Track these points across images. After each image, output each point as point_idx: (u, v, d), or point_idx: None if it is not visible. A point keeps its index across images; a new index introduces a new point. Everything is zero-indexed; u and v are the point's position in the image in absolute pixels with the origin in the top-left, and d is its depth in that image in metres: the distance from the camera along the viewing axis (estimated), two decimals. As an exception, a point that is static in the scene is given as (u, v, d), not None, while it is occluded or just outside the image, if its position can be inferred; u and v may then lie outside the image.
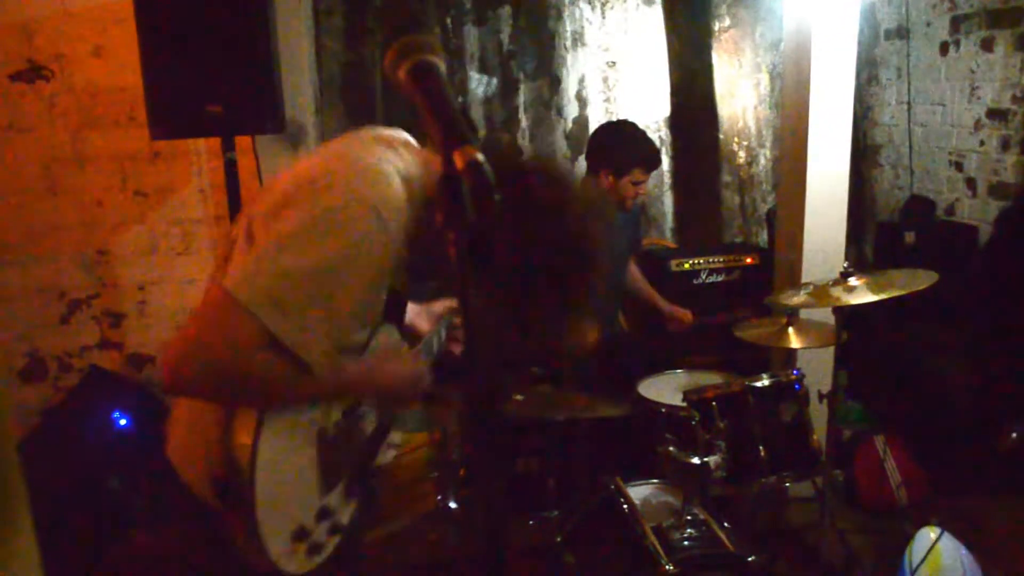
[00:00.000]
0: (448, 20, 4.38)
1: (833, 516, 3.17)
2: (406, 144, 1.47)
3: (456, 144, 0.92)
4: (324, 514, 1.44)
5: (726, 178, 4.79)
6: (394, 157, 1.40)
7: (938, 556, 2.83)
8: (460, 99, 4.36)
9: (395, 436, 1.76)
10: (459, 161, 0.89)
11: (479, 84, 4.40)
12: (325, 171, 1.34)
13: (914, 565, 2.84)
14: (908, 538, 2.93)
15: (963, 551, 2.86)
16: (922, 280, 2.61)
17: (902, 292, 2.59)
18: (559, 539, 2.65)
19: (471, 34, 4.39)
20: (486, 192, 0.87)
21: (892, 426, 3.79)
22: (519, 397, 2.20)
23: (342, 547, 1.60)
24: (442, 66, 1.11)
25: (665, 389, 2.89)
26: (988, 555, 2.92)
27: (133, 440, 3.44)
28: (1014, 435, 2.07)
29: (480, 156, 0.89)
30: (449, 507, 2.86)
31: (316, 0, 4.12)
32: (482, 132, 4.41)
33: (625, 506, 2.47)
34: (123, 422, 3.46)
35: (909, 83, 4.74)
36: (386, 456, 1.72)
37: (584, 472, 2.80)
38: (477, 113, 4.40)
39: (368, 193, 1.31)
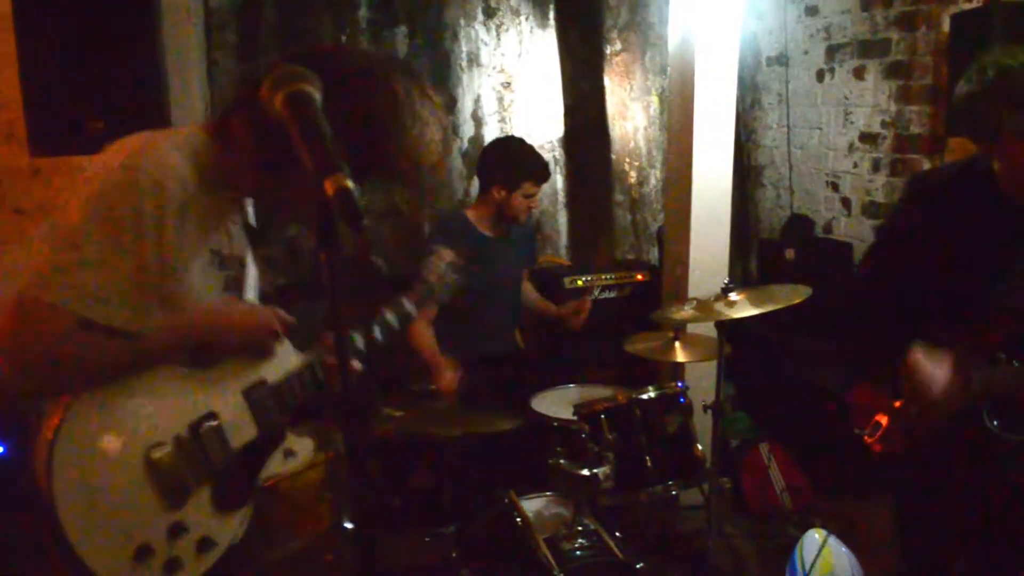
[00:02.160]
0: (344, 38, 4.37)
1: (720, 522, 3.30)
2: (196, 130, 1.50)
3: (327, 172, 0.96)
4: (179, 530, 1.42)
5: (618, 197, 4.93)
6: (171, 136, 1.44)
7: (828, 557, 2.98)
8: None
9: (301, 445, 1.72)
10: (329, 188, 0.93)
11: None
12: (96, 163, 1.38)
13: (806, 566, 2.98)
14: (792, 540, 3.07)
15: (846, 550, 3.02)
16: (797, 294, 2.76)
17: (779, 306, 2.73)
18: (455, 554, 2.68)
19: (367, 52, 4.40)
20: (355, 217, 0.91)
21: (776, 434, 3.97)
22: (398, 413, 2.21)
23: (231, 566, 1.59)
24: (317, 96, 1.14)
25: (558, 404, 2.95)
26: (865, 553, 3.09)
27: (7, 469, 3.29)
28: (868, 433, 2.20)
29: (349, 183, 0.93)
30: (345, 527, 2.84)
31: (208, 15, 4.06)
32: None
33: (518, 519, 2.52)
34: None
35: (788, 108, 4.99)
36: (284, 466, 1.68)
37: (479, 487, 2.83)
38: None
39: (134, 161, 1.33)
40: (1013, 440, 1.96)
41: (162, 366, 1.43)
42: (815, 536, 3.03)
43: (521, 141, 3.45)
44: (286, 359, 1.66)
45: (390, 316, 1.98)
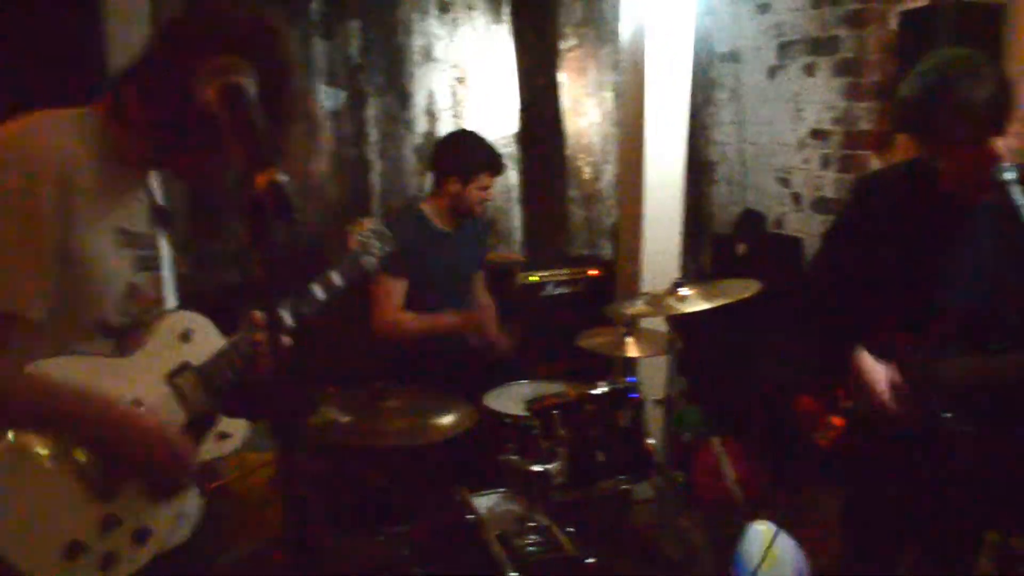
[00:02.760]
0: (295, 32, 4.32)
1: (672, 515, 3.33)
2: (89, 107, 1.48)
3: (259, 166, 0.95)
4: (111, 523, 1.40)
5: (573, 192, 4.93)
6: (55, 113, 1.41)
7: (772, 548, 3.02)
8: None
9: (235, 427, 1.68)
10: (262, 182, 0.92)
11: (327, 97, 4.36)
12: None
13: (751, 558, 3.02)
14: (742, 532, 3.11)
15: (790, 541, 3.06)
16: (747, 289, 2.80)
17: (729, 300, 2.76)
18: (407, 553, 2.67)
19: (319, 47, 4.35)
20: (287, 211, 0.90)
21: (728, 428, 4.01)
22: (344, 419, 2.18)
23: (184, 568, 1.57)
24: (251, 88, 1.13)
25: (510, 400, 2.95)
26: (814, 543, 3.14)
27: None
28: (822, 435, 2.24)
29: (282, 177, 0.92)
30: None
31: (155, 5, 3.97)
32: (330, 145, 4.37)
33: (470, 516, 2.52)
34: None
35: (741, 104, 5.04)
36: (220, 449, 1.64)
37: (432, 485, 2.82)
38: (325, 127, 4.36)
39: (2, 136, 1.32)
40: (966, 431, 2.00)
41: (81, 357, 1.39)
42: (758, 528, 3.07)
43: (475, 133, 3.45)
44: (210, 341, 1.64)
45: (317, 290, 1.93)
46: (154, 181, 1.59)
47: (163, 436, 1.45)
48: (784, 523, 3.11)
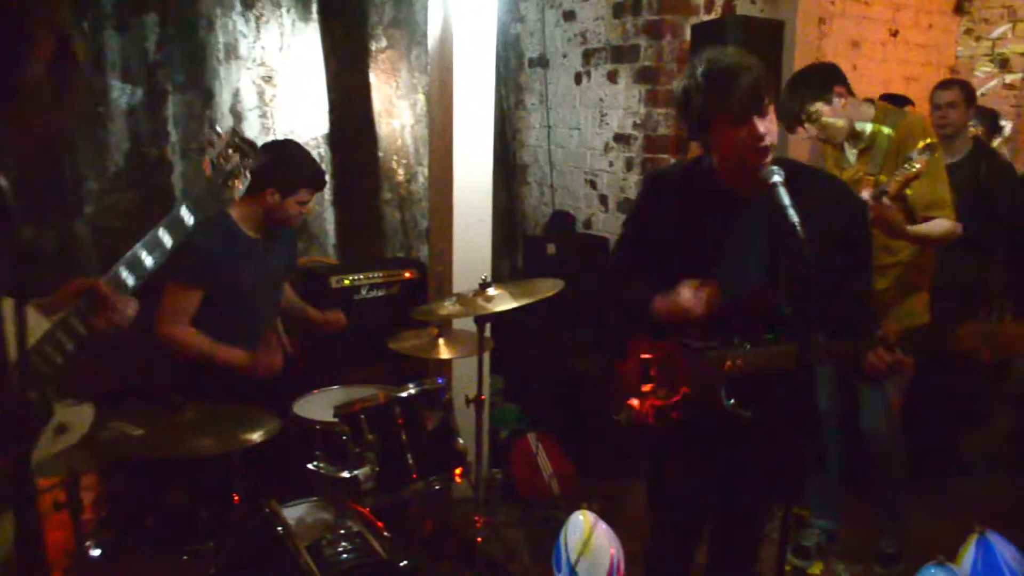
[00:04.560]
0: (85, 24, 4.04)
1: (490, 512, 3.38)
2: None
3: None
4: None
5: (387, 195, 4.90)
6: None
7: (589, 536, 3.13)
8: (100, 108, 4.04)
9: (78, 416, 1.55)
10: None
11: (121, 94, 4.11)
12: None
13: (569, 547, 3.12)
14: (560, 524, 3.21)
15: (605, 527, 3.19)
16: (551, 288, 2.89)
17: (534, 299, 2.84)
18: (213, 571, 2.56)
19: (112, 40, 4.09)
20: (5, 215, 0.86)
21: (544, 423, 4.12)
22: (137, 431, 2.06)
23: None
24: None
25: (321, 406, 2.89)
26: (626, 529, 3.28)
27: None
28: (622, 416, 2.34)
29: (2, 182, 0.87)
30: (91, 554, 2.64)
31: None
32: (126, 144, 4.12)
33: (279, 528, 2.44)
34: None
35: (549, 109, 5.19)
36: (53, 446, 1.48)
37: (240, 498, 2.71)
38: (120, 125, 4.10)
39: None
40: (745, 416, 2.14)
41: None
42: (579, 518, 3.18)
43: (300, 146, 3.37)
44: (28, 325, 1.49)
45: (163, 234, 1.73)
46: None
47: None
48: (599, 511, 3.24)
